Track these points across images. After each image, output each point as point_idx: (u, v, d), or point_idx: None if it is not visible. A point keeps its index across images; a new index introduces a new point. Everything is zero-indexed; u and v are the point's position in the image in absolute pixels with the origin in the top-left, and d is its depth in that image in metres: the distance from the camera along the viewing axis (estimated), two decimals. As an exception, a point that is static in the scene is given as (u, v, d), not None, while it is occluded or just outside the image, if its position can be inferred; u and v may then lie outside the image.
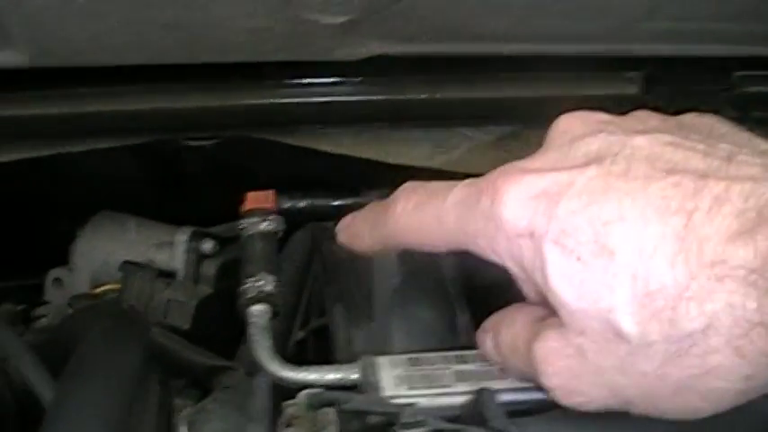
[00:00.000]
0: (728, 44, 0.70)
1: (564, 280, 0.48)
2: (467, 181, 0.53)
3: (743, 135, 0.51)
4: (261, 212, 0.70)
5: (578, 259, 0.47)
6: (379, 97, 0.72)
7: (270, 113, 0.70)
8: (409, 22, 0.61)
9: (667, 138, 0.49)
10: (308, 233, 0.82)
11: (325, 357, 0.69)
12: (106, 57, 0.63)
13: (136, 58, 0.63)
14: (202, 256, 0.78)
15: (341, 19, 0.60)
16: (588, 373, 0.49)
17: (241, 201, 0.71)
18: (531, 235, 0.49)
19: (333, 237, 0.63)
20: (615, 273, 0.46)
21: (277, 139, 0.71)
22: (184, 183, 0.70)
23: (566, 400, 0.51)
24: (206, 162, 0.70)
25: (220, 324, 0.79)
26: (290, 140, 0.71)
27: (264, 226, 0.70)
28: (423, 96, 0.74)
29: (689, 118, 0.54)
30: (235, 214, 0.73)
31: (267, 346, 0.63)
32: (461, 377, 0.59)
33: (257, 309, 0.65)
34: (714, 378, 0.45)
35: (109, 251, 0.83)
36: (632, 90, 0.76)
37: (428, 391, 0.59)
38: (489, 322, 0.57)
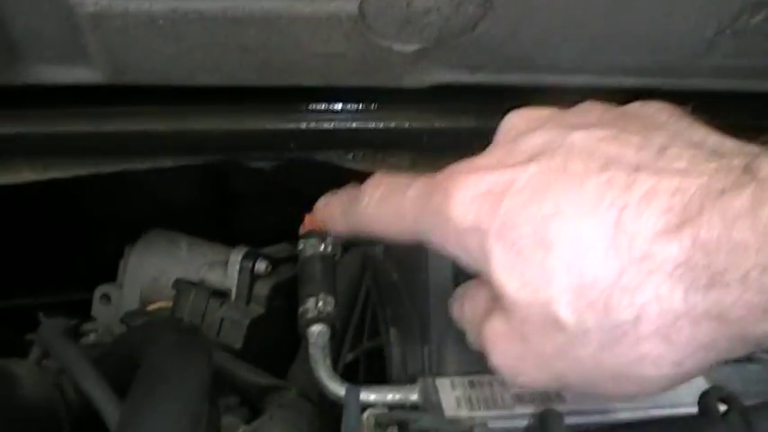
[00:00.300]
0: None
1: (506, 272, 0.50)
2: (424, 177, 0.56)
3: (681, 124, 0.53)
4: (319, 234, 0.71)
5: (519, 253, 0.50)
6: (438, 125, 0.73)
7: (330, 137, 0.71)
8: (477, 51, 0.63)
9: (603, 132, 0.51)
10: (357, 256, 0.83)
11: (375, 379, 0.70)
12: (180, 77, 0.64)
13: (209, 79, 0.64)
14: (255, 277, 0.79)
15: (413, 47, 0.61)
16: (530, 356, 0.52)
17: (300, 222, 0.72)
18: (477, 230, 0.51)
19: (384, 260, 0.63)
20: (553, 265, 0.48)
21: (337, 163, 0.72)
22: (239, 203, 0.71)
23: (510, 379, 0.54)
24: (264, 184, 0.71)
25: (271, 344, 0.80)
26: (349, 165, 0.72)
27: (323, 248, 0.71)
28: (475, 125, 0.75)
29: (633, 107, 0.56)
30: (286, 236, 0.74)
31: (327, 366, 0.64)
32: (520, 400, 0.60)
33: (317, 329, 0.66)
34: (645, 364, 0.48)
35: (160, 269, 0.84)
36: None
37: (489, 412, 0.60)
38: (459, 291, 0.59)
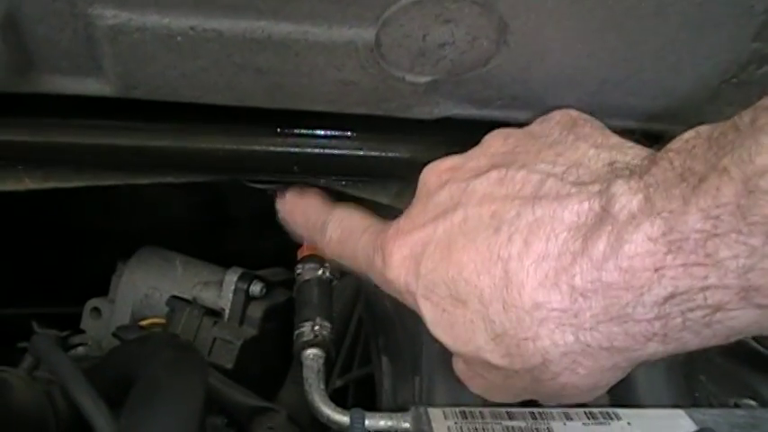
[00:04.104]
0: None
1: (439, 328, 0.56)
2: (373, 228, 0.62)
3: (568, 139, 0.57)
4: (317, 259, 0.72)
5: (443, 311, 0.55)
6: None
7: (334, 163, 0.71)
8: (487, 87, 0.63)
9: (496, 174, 0.56)
10: (351, 282, 0.83)
11: (362, 406, 0.70)
12: (192, 95, 0.64)
13: (221, 99, 0.64)
14: (250, 298, 0.79)
15: (425, 79, 0.62)
16: (493, 387, 0.58)
17: (296, 248, 0.73)
18: (408, 292, 0.57)
19: (378, 289, 0.64)
20: (471, 319, 0.53)
21: (340, 190, 0.72)
22: (236, 224, 0.71)
23: (491, 399, 0.61)
24: (263, 206, 0.72)
25: (261, 366, 0.80)
26: (351, 191, 0.72)
27: (321, 273, 0.71)
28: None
29: (532, 127, 0.61)
30: (281, 260, 0.74)
31: (321, 390, 0.65)
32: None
33: (312, 352, 0.67)
34: (568, 389, 0.54)
35: (152, 285, 0.84)
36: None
37: (480, 443, 0.60)
38: None
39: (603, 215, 0.49)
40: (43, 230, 0.93)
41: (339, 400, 0.78)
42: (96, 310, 0.86)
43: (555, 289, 0.50)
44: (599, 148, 0.56)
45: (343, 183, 0.73)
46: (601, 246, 0.48)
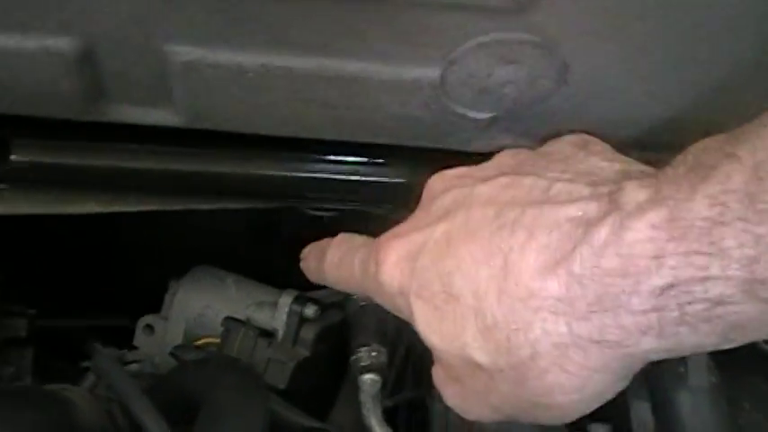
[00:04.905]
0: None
1: (427, 326, 0.55)
2: (367, 244, 0.62)
3: (579, 155, 0.58)
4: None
5: (435, 308, 0.54)
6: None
7: (390, 191, 0.73)
8: (544, 122, 0.65)
9: (504, 179, 0.56)
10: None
11: (413, 427, 0.72)
12: (259, 126, 0.66)
13: (288, 131, 0.66)
14: (303, 320, 0.81)
15: (487, 115, 0.64)
16: (469, 395, 0.57)
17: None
18: (402, 293, 0.56)
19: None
20: (462, 314, 0.53)
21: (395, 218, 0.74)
22: (289, 248, 0.72)
23: (463, 415, 0.60)
24: (318, 232, 0.73)
25: (313, 387, 0.81)
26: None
27: (377, 298, 0.73)
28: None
29: (544, 147, 0.62)
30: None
31: (378, 414, 0.67)
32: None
33: (369, 378, 0.69)
34: (554, 394, 0.52)
35: (206, 305, 0.86)
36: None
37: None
38: None
39: (610, 208, 0.49)
40: (97, 245, 0.95)
41: (388, 420, 0.80)
42: (149, 327, 0.88)
43: (552, 276, 0.49)
44: (612, 161, 0.56)
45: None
46: (603, 233, 0.47)
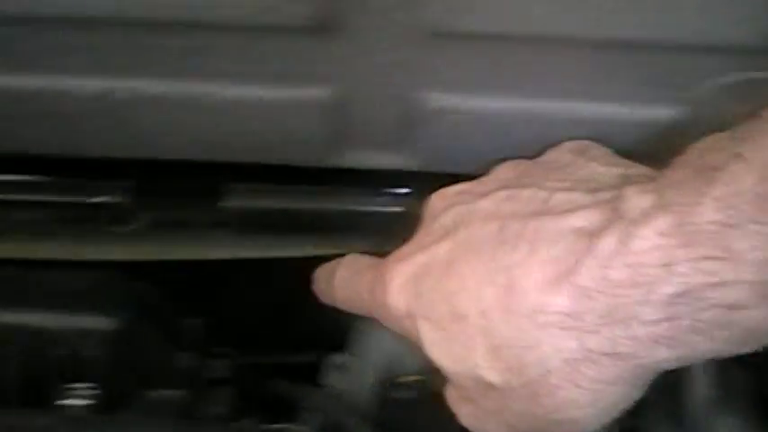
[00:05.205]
0: None
1: (436, 348, 0.54)
2: (374, 266, 0.60)
3: (579, 161, 0.57)
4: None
5: (443, 330, 0.53)
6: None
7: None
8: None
9: (504, 193, 0.55)
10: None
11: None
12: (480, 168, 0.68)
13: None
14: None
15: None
16: (485, 416, 0.55)
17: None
18: (409, 316, 0.55)
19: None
20: (470, 334, 0.51)
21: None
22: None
23: None
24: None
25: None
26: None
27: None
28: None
29: (543, 156, 0.60)
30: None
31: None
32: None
33: None
34: (569, 410, 0.50)
35: (398, 343, 0.87)
36: None
37: None
38: None
39: (613, 216, 0.47)
40: (288, 284, 0.97)
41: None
42: (340, 365, 0.89)
43: (558, 290, 0.47)
44: (611, 166, 0.55)
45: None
46: (608, 243, 0.46)
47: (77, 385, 0.69)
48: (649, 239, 0.44)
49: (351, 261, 0.64)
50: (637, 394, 0.51)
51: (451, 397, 0.58)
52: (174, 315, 0.80)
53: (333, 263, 0.66)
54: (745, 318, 0.43)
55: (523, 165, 0.59)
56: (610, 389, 0.49)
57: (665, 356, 0.46)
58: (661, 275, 0.44)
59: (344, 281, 0.63)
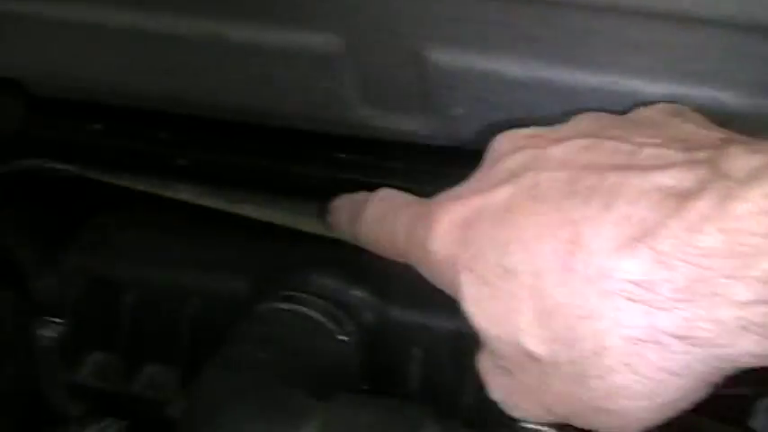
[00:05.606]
0: None
1: (474, 305, 0.47)
2: (417, 203, 0.54)
3: (673, 122, 0.49)
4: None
5: (486, 284, 0.46)
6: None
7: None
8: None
9: (583, 142, 0.47)
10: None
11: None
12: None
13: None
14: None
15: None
16: (519, 390, 0.49)
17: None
18: (450, 263, 0.48)
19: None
20: (518, 294, 0.45)
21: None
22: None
23: (509, 413, 0.51)
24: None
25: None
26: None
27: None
28: None
29: (633, 112, 0.52)
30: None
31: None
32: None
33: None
34: (619, 398, 0.43)
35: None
36: None
37: None
38: None
39: (712, 177, 0.40)
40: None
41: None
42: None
43: (632, 254, 0.41)
44: (711, 129, 0.47)
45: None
46: (702, 205, 0.39)
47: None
48: (755, 202, 0.38)
49: (386, 196, 0.58)
50: (701, 394, 0.44)
51: (484, 365, 0.52)
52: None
53: (359, 196, 0.61)
54: None
55: (608, 117, 0.52)
56: (673, 381, 0.42)
57: (750, 348, 0.40)
58: (763, 247, 0.38)
59: (377, 217, 0.57)
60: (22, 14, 0.65)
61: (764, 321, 0.38)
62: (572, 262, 0.43)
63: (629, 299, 0.41)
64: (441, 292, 0.52)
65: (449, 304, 0.50)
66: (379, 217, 0.57)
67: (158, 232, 0.77)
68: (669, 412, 0.44)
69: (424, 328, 0.66)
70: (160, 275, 0.73)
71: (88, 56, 0.69)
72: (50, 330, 0.76)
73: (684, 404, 0.44)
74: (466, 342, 0.55)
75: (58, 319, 0.76)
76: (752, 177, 0.39)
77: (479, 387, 0.53)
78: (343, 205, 0.63)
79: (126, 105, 0.75)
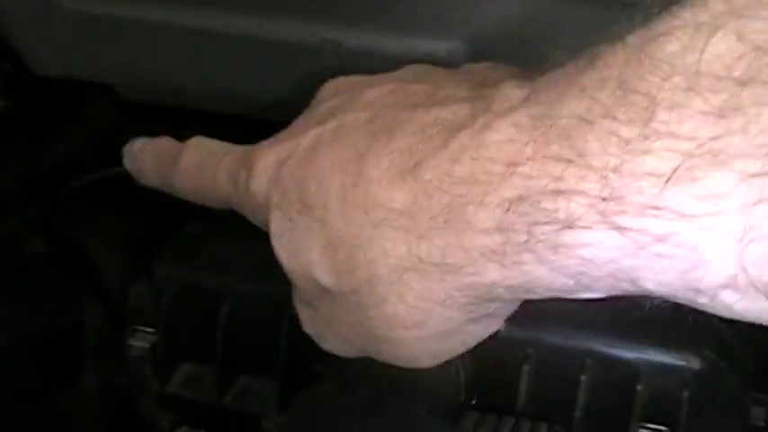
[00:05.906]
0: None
1: (279, 241, 0.48)
2: (240, 148, 0.53)
3: (495, 74, 0.48)
4: None
5: (289, 219, 0.47)
6: None
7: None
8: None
9: (392, 86, 0.48)
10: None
11: None
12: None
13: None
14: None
15: None
16: (321, 322, 0.51)
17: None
18: (266, 203, 0.49)
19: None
20: (311, 227, 0.46)
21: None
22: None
23: (321, 346, 0.53)
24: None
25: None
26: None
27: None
28: None
29: (466, 66, 0.51)
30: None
31: None
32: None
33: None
34: (395, 327, 0.45)
35: None
36: None
37: None
38: None
39: (482, 110, 0.41)
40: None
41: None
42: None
43: (400, 185, 0.42)
44: (524, 78, 0.45)
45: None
46: (464, 135, 0.41)
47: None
48: (502, 132, 0.39)
49: (201, 144, 0.57)
50: (477, 328, 0.47)
51: (294, 300, 0.54)
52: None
53: (164, 141, 0.60)
54: (580, 242, 0.36)
55: (433, 68, 0.52)
56: (438, 311, 0.44)
57: (496, 278, 0.40)
58: (503, 175, 0.38)
59: (194, 165, 0.56)
60: (118, 18, 0.64)
61: (504, 250, 0.39)
62: (353, 193, 0.44)
63: (395, 228, 0.42)
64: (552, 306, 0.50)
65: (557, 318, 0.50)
66: (199, 164, 0.56)
67: (251, 240, 0.76)
68: (449, 345, 0.47)
69: (534, 343, 0.64)
70: (256, 286, 0.72)
71: (181, 61, 0.68)
72: (142, 340, 0.74)
73: (468, 338, 0.47)
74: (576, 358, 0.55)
75: (149, 329, 0.74)
76: (509, 109, 0.40)
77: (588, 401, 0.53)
78: (144, 152, 0.61)
79: (219, 112, 0.73)
